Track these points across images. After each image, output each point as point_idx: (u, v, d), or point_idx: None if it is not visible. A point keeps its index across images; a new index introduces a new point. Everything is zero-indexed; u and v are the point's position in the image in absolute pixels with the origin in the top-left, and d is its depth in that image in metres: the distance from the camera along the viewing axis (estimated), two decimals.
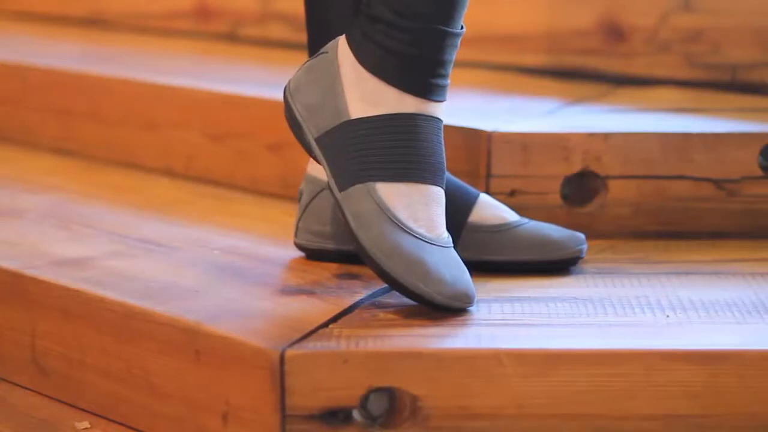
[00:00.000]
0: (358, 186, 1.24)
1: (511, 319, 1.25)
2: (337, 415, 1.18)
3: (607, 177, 1.50)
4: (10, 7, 2.64)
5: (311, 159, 1.38)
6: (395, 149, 1.24)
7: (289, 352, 1.18)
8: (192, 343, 1.25)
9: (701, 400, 1.17)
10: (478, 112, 1.63)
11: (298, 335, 1.20)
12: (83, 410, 1.36)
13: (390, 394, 1.17)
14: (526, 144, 1.50)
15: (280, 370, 1.17)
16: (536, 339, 1.20)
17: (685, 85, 1.81)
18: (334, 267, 1.39)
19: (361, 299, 1.29)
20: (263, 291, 1.33)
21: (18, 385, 1.43)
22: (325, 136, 1.27)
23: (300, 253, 1.44)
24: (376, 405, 1.18)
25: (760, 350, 1.17)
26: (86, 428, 1.33)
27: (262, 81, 1.89)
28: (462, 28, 1.26)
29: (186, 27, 2.36)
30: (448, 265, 1.23)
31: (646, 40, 1.85)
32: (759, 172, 1.50)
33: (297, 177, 1.68)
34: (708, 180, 1.50)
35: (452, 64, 1.27)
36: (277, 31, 2.23)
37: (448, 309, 1.23)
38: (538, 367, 1.17)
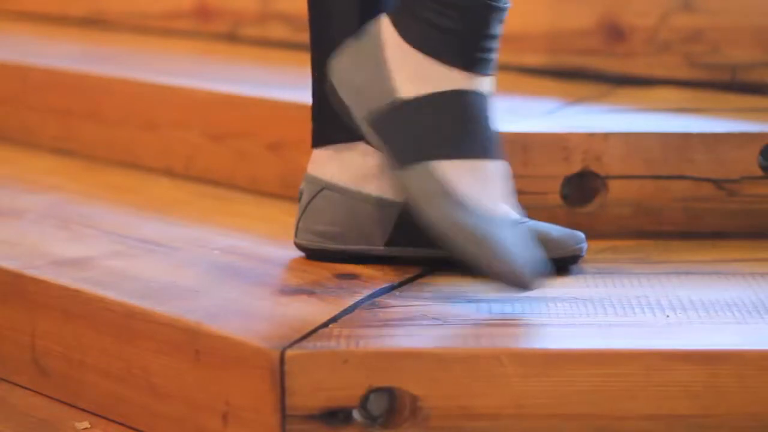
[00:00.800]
0: (419, 165, 1.23)
1: (511, 319, 1.25)
2: (337, 415, 1.18)
3: (607, 177, 1.50)
4: (10, 7, 2.64)
5: (311, 158, 1.38)
6: (450, 126, 1.23)
7: (289, 352, 1.18)
8: (192, 343, 1.25)
9: (701, 400, 1.17)
10: None
11: (298, 335, 1.20)
12: (83, 410, 1.36)
13: (390, 394, 1.17)
14: (526, 144, 1.50)
15: (280, 370, 1.17)
16: (536, 339, 1.20)
17: (685, 85, 1.81)
18: (334, 267, 1.39)
19: (361, 299, 1.29)
20: (263, 291, 1.33)
21: (18, 385, 1.43)
22: (376, 118, 1.26)
23: (300, 253, 1.44)
24: (376, 405, 1.18)
25: (760, 350, 1.17)
26: (86, 428, 1.33)
27: (262, 81, 1.89)
28: (506, 2, 1.26)
29: (186, 27, 2.36)
30: (515, 243, 1.22)
31: (646, 40, 1.85)
32: (759, 172, 1.50)
33: (297, 177, 1.68)
34: (708, 180, 1.50)
35: (498, 39, 1.26)
36: (277, 31, 2.23)
37: (516, 285, 1.22)
38: (538, 367, 1.17)
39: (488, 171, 1.24)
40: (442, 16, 1.24)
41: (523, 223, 1.26)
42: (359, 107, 1.27)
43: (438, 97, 1.24)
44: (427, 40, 1.24)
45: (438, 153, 1.23)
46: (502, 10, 1.25)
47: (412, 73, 1.25)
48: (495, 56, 1.27)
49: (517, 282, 1.21)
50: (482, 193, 1.22)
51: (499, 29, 1.27)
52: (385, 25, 1.28)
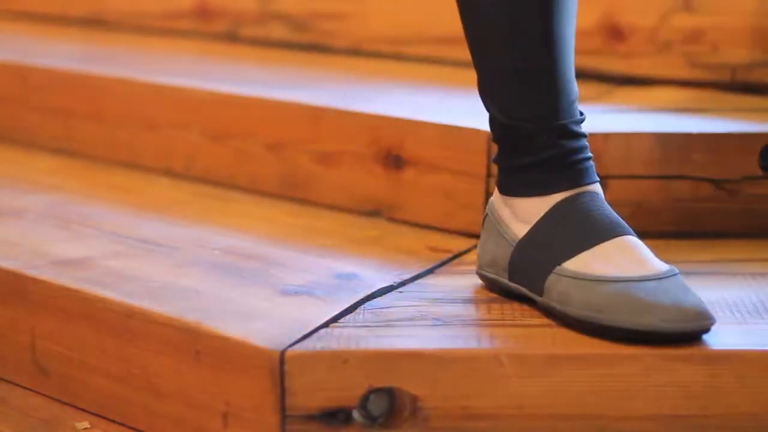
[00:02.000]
0: (550, 279, 1.23)
1: (511, 319, 1.25)
2: (337, 415, 1.18)
3: (607, 177, 1.50)
4: (10, 7, 2.65)
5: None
6: (564, 232, 1.25)
7: (289, 352, 1.18)
8: (192, 343, 1.25)
9: (701, 400, 1.17)
10: (477, 112, 1.63)
11: (298, 335, 1.20)
12: (83, 410, 1.36)
13: (390, 394, 1.17)
14: None
15: (280, 370, 1.17)
16: (536, 339, 1.20)
17: (685, 85, 1.81)
18: (334, 267, 1.39)
19: (361, 299, 1.29)
20: (263, 291, 1.33)
21: (18, 385, 1.43)
22: (511, 271, 1.28)
23: (300, 253, 1.44)
24: (376, 405, 1.18)
25: (760, 350, 1.17)
26: (86, 428, 1.33)
27: (262, 81, 1.89)
28: (581, 114, 1.28)
29: (186, 27, 2.36)
30: (667, 291, 1.18)
31: (646, 40, 1.85)
32: (759, 172, 1.50)
33: (297, 177, 1.68)
34: (708, 180, 1.50)
35: (583, 149, 1.28)
36: (277, 31, 2.23)
37: (683, 334, 1.17)
38: (538, 367, 1.17)
39: (616, 247, 1.23)
40: (522, 156, 1.27)
41: (674, 274, 1.23)
42: (500, 274, 1.30)
43: (540, 221, 1.26)
44: (521, 185, 1.28)
45: (560, 258, 1.23)
46: (577, 122, 1.27)
47: (521, 217, 1.28)
48: (588, 164, 1.28)
49: (673, 331, 1.16)
50: (615, 264, 1.22)
51: (580, 142, 1.27)
52: (494, 199, 1.32)
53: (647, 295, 1.17)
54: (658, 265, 1.22)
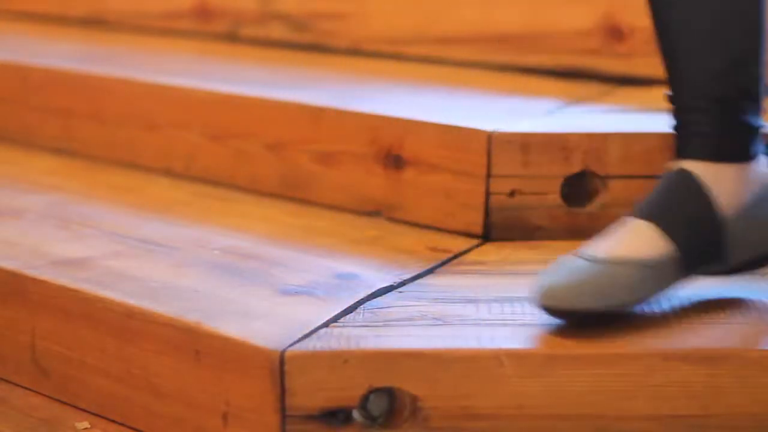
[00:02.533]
0: None
1: (511, 319, 1.25)
2: (337, 415, 1.18)
3: (607, 177, 1.50)
4: (10, 7, 2.64)
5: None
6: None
7: (289, 352, 1.18)
8: (192, 343, 1.25)
9: (701, 400, 1.17)
10: (477, 112, 1.63)
11: (298, 335, 1.20)
12: (83, 410, 1.36)
13: (390, 394, 1.17)
14: (526, 144, 1.50)
15: (280, 370, 1.17)
16: (536, 339, 1.20)
17: None
18: (334, 267, 1.39)
19: (361, 299, 1.29)
20: (263, 291, 1.33)
21: (18, 385, 1.43)
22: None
23: (300, 253, 1.44)
24: (376, 405, 1.18)
25: (760, 350, 1.17)
26: (86, 428, 1.33)
27: (262, 81, 1.89)
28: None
29: (186, 27, 2.36)
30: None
31: (646, 40, 1.85)
32: None
33: (297, 177, 1.68)
34: None
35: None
36: (277, 31, 2.23)
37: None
38: (538, 367, 1.17)
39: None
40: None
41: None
42: None
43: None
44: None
45: None
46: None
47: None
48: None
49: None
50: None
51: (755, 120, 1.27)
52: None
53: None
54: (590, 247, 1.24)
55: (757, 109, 1.27)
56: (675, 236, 1.24)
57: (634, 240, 1.24)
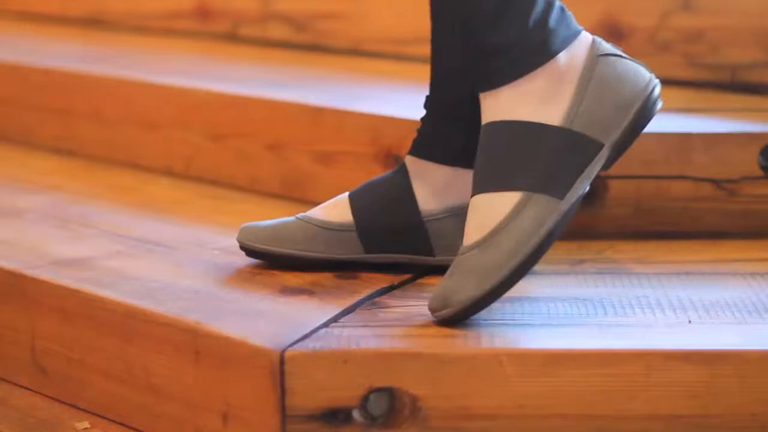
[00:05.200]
0: None
1: (511, 319, 1.25)
2: (337, 415, 1.18)
3: (607, 177, 1.50)
4: (10, 7, 2.64)
5: None
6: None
7: (289, 352, 1.18)
8: (192, 343, 1.25)
9: (701, 400, 1.17)
10: None
11: (298, 335, 1.20)
12: (83, 410, 1.36)
13: (390, 394, 1.17)
14: None
15: (280, 370, 1.17)
16: (536, 339, 1.20)
17: (685, 85, 1.81)
18: (333, 267, 1.39)
19: (361, 299, 1.29)
20: (263, 291, 1.33)
21: (18, 385, 1.43)
22: None
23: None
24: (376, 405, 1.18)
25: (760, 350, 1.17)
26: (86, 428, 1.33)
27: (262, 81, 1.89)
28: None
29: (186, 27, 2.36)
30: None
31: (646, 40, 1.85)
32: (759, 172, 1.50)
33: (297, 177, 1.68)
34: (708, 180, 1.50)
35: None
36: (277, 31, 2.23)
37: None
38: (538, 367, 1.17)
39: None
40: None
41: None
42: None
43: None
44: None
45: None
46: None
47: None
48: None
49: None
50: None
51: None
52: None
53: None
54: None
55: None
56: (357, 212, 1.35)
57: (329, 206, 1.38)
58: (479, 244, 1.21)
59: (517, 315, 1.25)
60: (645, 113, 1.26)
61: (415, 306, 1.27)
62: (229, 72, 2.00)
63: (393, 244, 1.36)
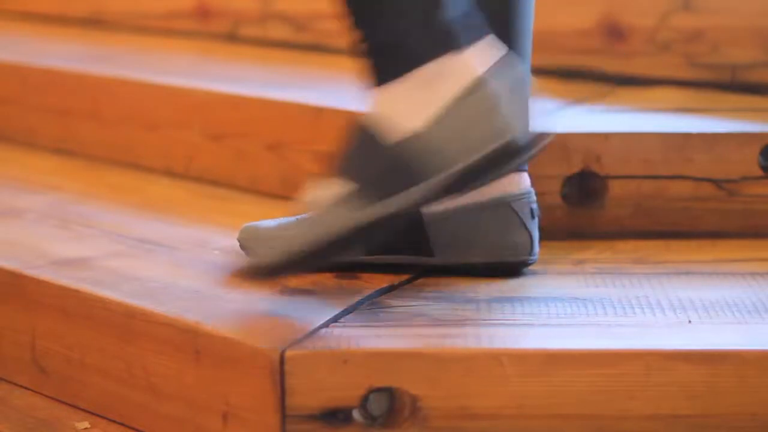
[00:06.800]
0: None
1: (511, 319, 1.25)
2: (337, 415, 1.18)
3: (607, 177, 1.50)
4: (10, 7, 2.64)
5: None
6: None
7: (289, 352, 1.18)
8: (192, 343, 1.25)
9: (701, 400, 1.17)
10: None
11: (298, 335, 1.20)
12: (83, 410, 1.36)
13: (390, 394, 1.17)
14: None
15: (280, 370, 1.17)
16: (536, 339, 1.20)
17: (685, 85, 1.81)
18: (334, 267, 1.39)
19: (361, 299, 1.29)
20: (263, 291, 1.33)
21: (18, 385, 1.43)
22: None
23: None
24: (376, 405, 1.18)
25: (760, 350, 1.17)
26: (86, 428, 1.33)
27: (262, 81, 1.89)
28: None
29: (186, 27, 2.36)
30: None
31: (646, 40, 1.85)
32: (759, 172, 1.50)
33: (297, 177, 1.68)
34: (708, 180, 1.50)
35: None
36: (277, 31, 2.23)
37: None
38: (538, 367, 1.17)
39: None
40: None
41: None
42: None
43: None
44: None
45: None
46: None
47: None
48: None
49: None
50: None
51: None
52: None
53: None
54: None
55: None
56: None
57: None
58: (300, 219, 1.24)
59: (517, 315, 1.25)
60: (497, 160, 1.18)
61: (415, 306, 1.27)
62: (229, 72, 2.00)
63: (393, 244, 1.35)
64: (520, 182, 1.34)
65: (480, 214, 1.33)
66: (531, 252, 1.34)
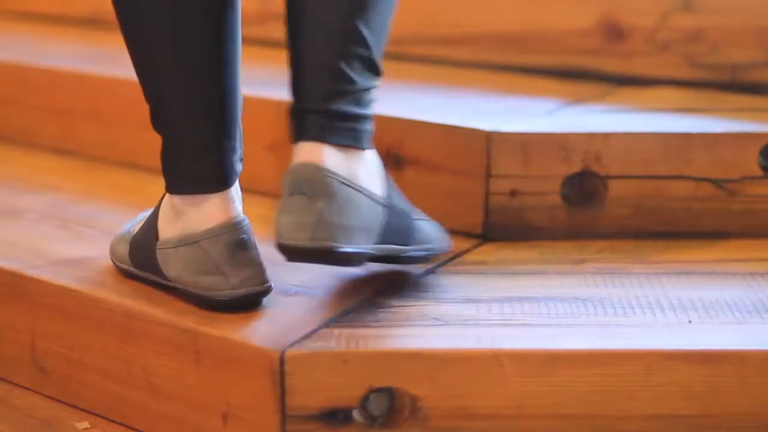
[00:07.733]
0: None
1: (511, 319, 1.25)
2: (337, 415, 1.18)
3: (607, 177, 1.50)
4: (10, 7, 2.64)
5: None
6: None
7: (289, 352, 1.18)
8: (192, 343, 1.25)
9: (701, 400, 1.17)
10: (477, 112, 1.63)
11: (298, 335, 1.20)
12: (83, 410, 1.36)
13: (390, 394, 1.17)
14: (526, 144, 1.50)
15: (280, 370, 1.17)
16: (536, 339, 1.20)
17: (685, 85, 1.81)
18: (334, 267, 1.39)
19: (361, 299, 1.29)
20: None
21: (18, 385, 1.43)
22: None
23: None
24: (376, 405, 1.18)
25: (760, 350, 1.17)
26: (86, 428, 1.33)
27: (262, 81, 1.89)
28: None
29: None
30: None
31: (646, 40, 1.85)
32: (759, 172, 1.50)
33: None
34: (708, 180, 1.50)
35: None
36: (277, 31, 2.23)
37: None
38: (538, 367, 1.17)
39: None
40: None
41: None
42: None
43: None
44: None
45: None
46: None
47: None
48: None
49: None
50: None
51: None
52: None
53: None
54: None
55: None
56: None
57: None
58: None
59: (517, 315, 1.25)
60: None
61: (415, 306, 1.27)
62: None
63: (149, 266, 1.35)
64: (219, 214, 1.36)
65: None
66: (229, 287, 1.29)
